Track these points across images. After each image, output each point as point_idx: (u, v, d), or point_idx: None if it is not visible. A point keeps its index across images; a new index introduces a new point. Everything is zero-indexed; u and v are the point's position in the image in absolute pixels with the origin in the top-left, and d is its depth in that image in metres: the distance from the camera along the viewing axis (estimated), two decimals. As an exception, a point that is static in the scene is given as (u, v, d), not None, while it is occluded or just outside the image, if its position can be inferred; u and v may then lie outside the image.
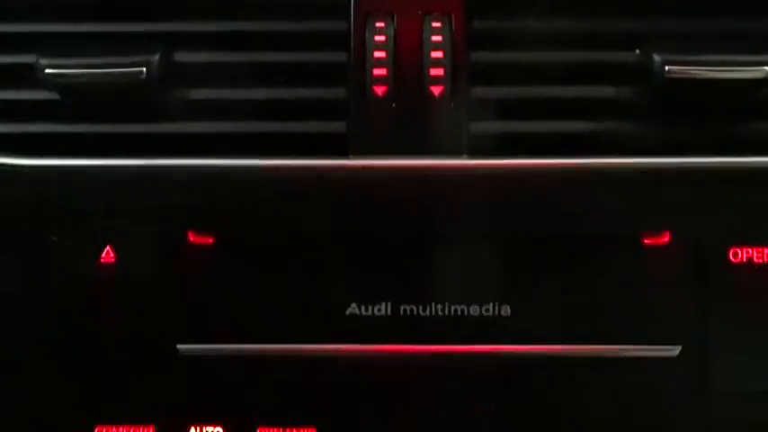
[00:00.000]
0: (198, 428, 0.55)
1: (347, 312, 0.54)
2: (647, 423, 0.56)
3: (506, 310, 0.53)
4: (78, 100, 0.49)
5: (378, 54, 0.47)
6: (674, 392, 0.55)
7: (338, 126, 0.49)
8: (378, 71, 0.47)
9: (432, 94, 0.47)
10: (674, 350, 0.54)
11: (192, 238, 0.54)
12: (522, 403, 0.56)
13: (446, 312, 0.54)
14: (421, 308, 0.53)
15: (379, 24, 0.48)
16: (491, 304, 0.53)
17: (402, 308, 0.54)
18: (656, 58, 0.46)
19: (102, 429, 0.55)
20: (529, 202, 0.50)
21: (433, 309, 0.53)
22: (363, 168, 0.49)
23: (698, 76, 0.46)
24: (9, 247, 0.55)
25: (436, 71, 0.47)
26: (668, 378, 0.55)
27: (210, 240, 0.55)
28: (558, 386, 0.56)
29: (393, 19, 0.48)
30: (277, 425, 0.55)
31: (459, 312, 0.53)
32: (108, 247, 0.54)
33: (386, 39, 0.48)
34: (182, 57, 0.49)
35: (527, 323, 0.54)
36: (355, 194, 0.51)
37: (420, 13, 0.48)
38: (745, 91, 0.47)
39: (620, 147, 0.48)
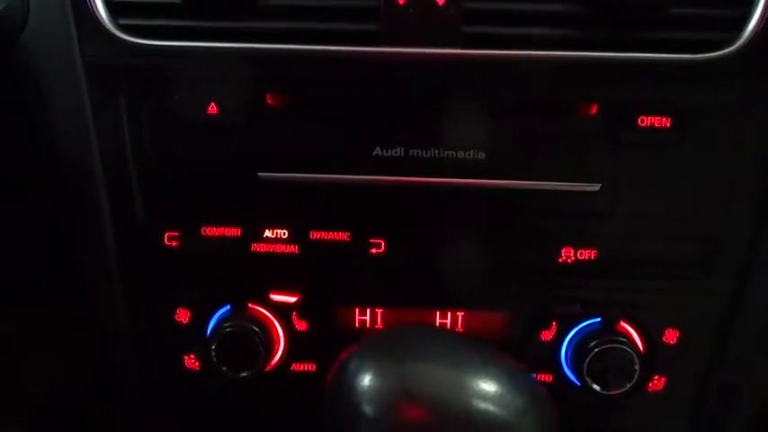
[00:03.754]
0: (271, 231, 0.76)
1: (374, 153, 0.72)
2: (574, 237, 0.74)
3: (482, 155, 0.72)
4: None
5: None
6: (594, 215, 0.73)
7: (373, 26, 0.67)
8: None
9: (437, 3, 0.67)
10: (596, 186, 0.71)
11: (269, 99, 0.71)
12: (491, 219, 0.74)
13: (442, 155, 0.72)
14: (424, 152, 0.72)
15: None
16: (472, 151, 0.72)
17: (411, 151, 0.72)
18: None
19: (207, 228, 0.75)
20: (501, 80, 0.69)
21: (433, 153, 0.72)
22: (391, 54, 0.67)
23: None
24: (141, 103, 0.72)
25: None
26: (591, 205, 0.72)
27: (283, 101, 0.72)
28: (515, 209, 0.73)
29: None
30: (323, 229, 0.74)
31: (450, 155, 0.72)
32: (212, 103, 0.71)
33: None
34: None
35: (496, 164, 0.71)
36: (385, 70, 0.69)
37: None
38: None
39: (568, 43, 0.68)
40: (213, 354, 0.76)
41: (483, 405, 0.51)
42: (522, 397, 0.53)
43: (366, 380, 0.52)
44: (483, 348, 0.60)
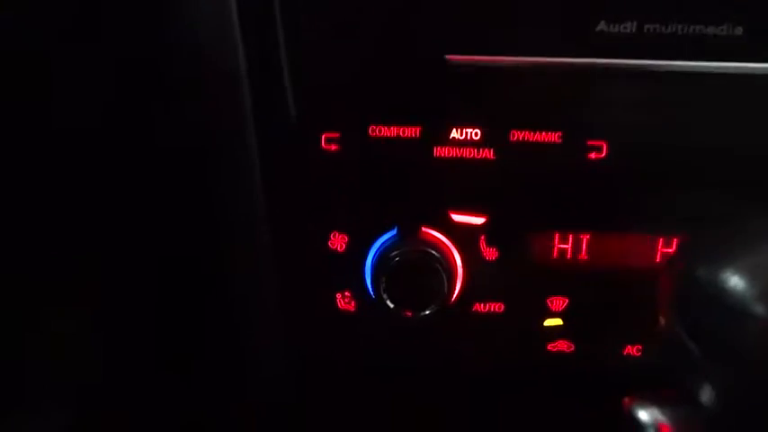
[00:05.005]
0: (459, 130, 0.60)
1: (597, 29, 0.56)
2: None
3: (739, 31, 0.56)
4: None
5: None
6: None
7: None
8: None
9: None
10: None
11: None
12: (746, 113, 0.59)
13: (686, 31, 0.57)
14: (663, 27, 0.57)
15: None
16: (726, 25, 0.56)
17: (647, 27, 0.57)
18: None
19: (376, 128, 0.60)
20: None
21: (675, 28, 0.56)
22: None
23: None
24: None
25: None
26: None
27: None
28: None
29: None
30: (528, 129, 0.59)
31: (697, 30, 0.56)
32: None
33: None
34: None
35: (760, 42, 0.57)
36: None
37: None
38: None
39: None
40: (383, 287, 0.60)
41: None
42: None
43: (738, 278, 0.40)
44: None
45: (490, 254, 0.62)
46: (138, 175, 0.60)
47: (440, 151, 0.60)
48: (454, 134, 0.60)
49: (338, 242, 0.63)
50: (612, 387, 0.51)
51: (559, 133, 0.59)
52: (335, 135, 0.60)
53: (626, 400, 0.47)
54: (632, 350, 0.65)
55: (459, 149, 0.60)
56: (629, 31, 0.57)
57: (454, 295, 0.62)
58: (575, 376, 0.65)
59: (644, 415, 0.45)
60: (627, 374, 0.63)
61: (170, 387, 0.66)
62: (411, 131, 0.60)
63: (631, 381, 0.51)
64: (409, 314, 0.60)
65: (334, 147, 0.60)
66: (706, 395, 0.42)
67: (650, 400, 0.46)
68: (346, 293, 0.64)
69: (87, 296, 0.61)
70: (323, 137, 0.60)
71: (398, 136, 0.60)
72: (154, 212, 0.61)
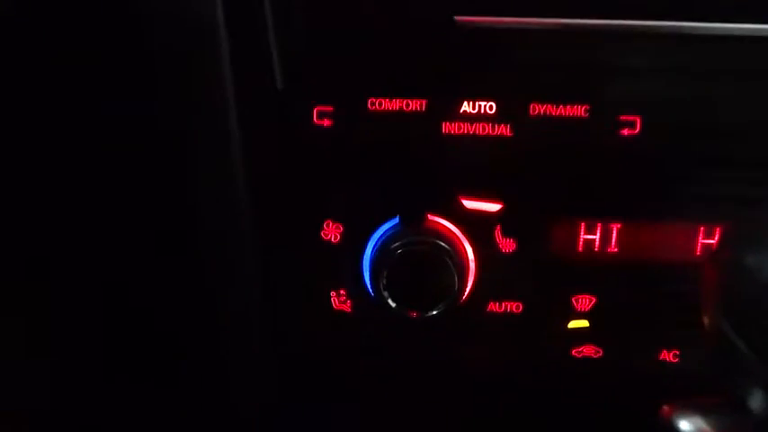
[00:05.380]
0: (470, 103, 0.53)
1: None
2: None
3: None
4: None
5: None
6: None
7: None
8: None
9: None
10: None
11: None
12: None
13: None
14: None
15: None
16: None
17: None
18: None
19: (376, 101, 0.52)
20: None
21: None
22: None
23: None
24: None
25: None
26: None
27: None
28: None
29: None
30: (551, 101, 0.52)
31: None
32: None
33: None
34: None
35: None
36: None
37: None
38: None
39: None
40: (384, 284, 0.52)
41: None
42: None
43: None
44: None
45: (507, 246, 0.55)
46: (108, 157, 0.52)
47: (449, 127, 0.53)
48: (465, 108, 0.53)
49: (332, 232, 0.55)
50: (645, 397, 0.45)
51: (586, 107, 0.52)
52: (329, 108, 0.53)
53: (665, 408, 0.42)
54: (669, 355, 0.58)
55: (471, 125, 0.53)
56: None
57: (465, 293, 0.55)
58: (602, 385, 0.58)
59: (686, 425, 0.41)
60: (662, 382, 0.57)
61: (148, 393, 0.58)
62: (416, 104, 0.53)
63: (667, 389, 0.45)
64: (414, 315, 0.54)
65: (327, 122, 0.53)
66: (756, 401, 0.39)
67: (692, 408, 0.42)
68: (341, 292, 0.56)
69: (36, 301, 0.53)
70: (314, 110, 0.53)
71: (401, 110, 0.53)
72: (123, 199, 0.53)
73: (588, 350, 0.58)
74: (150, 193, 0.52)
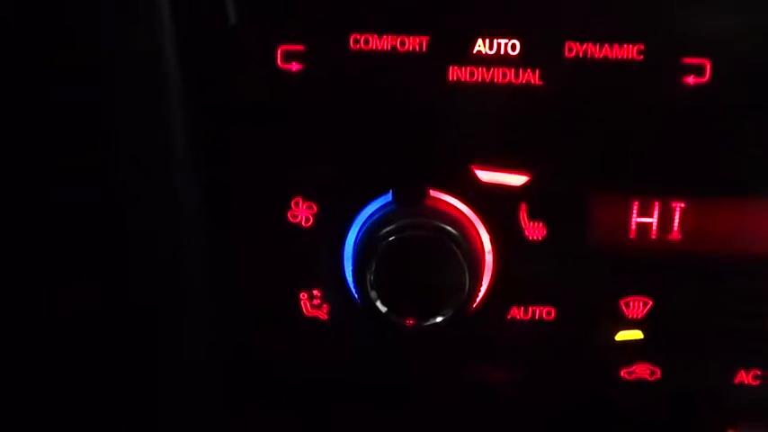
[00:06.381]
0: (486, 41, 0.41)
1: None
2: None
3: None
4: None
5: None
6: None
7: None
8: None
9: None
10: None
11: None
12: None
13: None
14: None
15: None
16: None
17: None
18: None
19: (360, 37, 0.41)
20: None
21: None
22: None
23: None
24: None
25: None
26: None
27: None
28: None
29: None
30: (592, 39, 0.41)
31: None
32: None
33: None
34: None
35: None
36: None
37: None
38: None
39: None
40: (371, 282, 0.41)
41: None
42: None
43: None
44: None
45: (535, 232, 0.44)
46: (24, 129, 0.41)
47: (457, 73, 0.42)
48: (479, 47, 0.42)
49: (303, 213, 0.45)
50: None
51: (640, 46, 0.42)
52: (298, 48, 0.42)
53: None
54: (747, 376, 0.47)
55: (488, 71, 0.42)
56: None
57: (479, 295, 0.45)
58: (659, 417, 0.48)
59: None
60: (737, 412, 0.47)
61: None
62: (414, 43, 0.42)
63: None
64: (411, 324, 0.43)
65: (296, 65, 0.42)
66: None
67: None
68: (315, 293, 0.45)
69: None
70: (279, 50, 0.42)
71: (395, 49, 0.42)
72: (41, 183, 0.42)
73: (641, 370, 0.47)
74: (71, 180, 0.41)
